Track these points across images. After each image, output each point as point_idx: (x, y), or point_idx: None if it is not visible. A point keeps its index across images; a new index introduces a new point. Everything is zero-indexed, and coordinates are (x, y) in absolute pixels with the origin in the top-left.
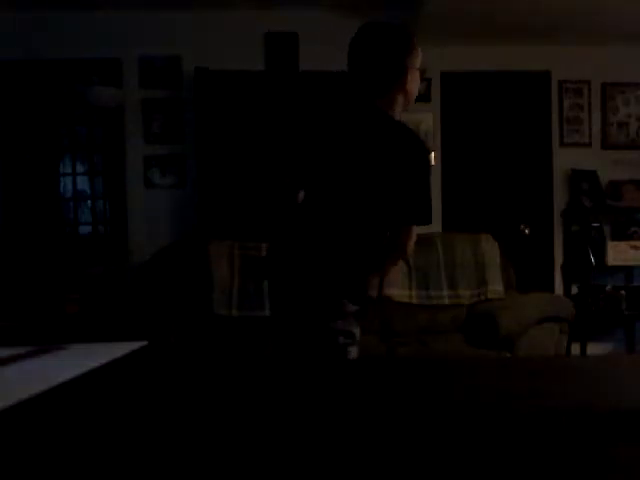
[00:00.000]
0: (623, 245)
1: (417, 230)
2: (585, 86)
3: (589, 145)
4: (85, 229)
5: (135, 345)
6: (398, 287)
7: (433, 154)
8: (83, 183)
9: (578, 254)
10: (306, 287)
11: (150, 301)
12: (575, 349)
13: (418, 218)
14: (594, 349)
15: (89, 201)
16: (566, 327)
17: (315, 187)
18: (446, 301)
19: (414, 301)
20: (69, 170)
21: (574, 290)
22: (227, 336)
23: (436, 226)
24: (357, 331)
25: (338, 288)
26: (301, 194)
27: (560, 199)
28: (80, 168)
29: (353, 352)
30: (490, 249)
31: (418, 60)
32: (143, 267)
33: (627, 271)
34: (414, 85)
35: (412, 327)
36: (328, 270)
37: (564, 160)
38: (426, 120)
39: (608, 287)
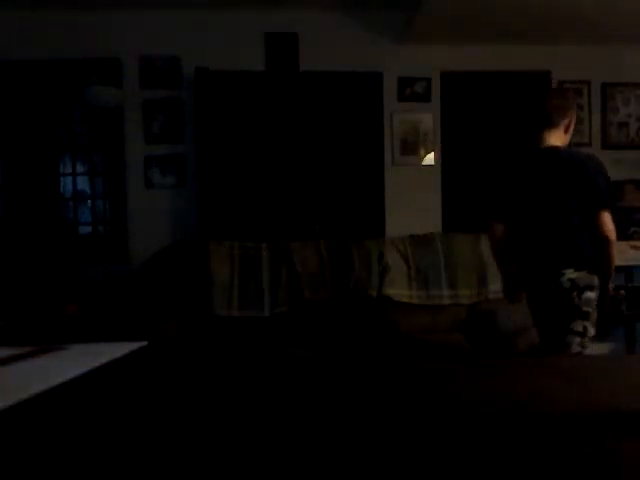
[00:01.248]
0: (623, 245)
1: (608, 217)
2: (585, 86)
3: (589, 145)
4: (85, 229)
5: (135, 345)
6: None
7: (433, 154)
8: (83, 183)
9: None
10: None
11: (150, 301)
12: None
13: (601, 203)
14: (594, 349)
15: (89, 201)
16: None
17: (532, 207)
18: (446, 301)
19: (414, 301)
20: (69, 170)
21: None
22: (227, 336)
23: (436, 226)
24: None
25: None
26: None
27: None
28: (80, 168)
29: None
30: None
31: (575, 113)
32: (143, 267)
33: (627, 271)
34: (572, 129)
35: (412, 327)
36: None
37: None
38: (426, 120)
39: None
